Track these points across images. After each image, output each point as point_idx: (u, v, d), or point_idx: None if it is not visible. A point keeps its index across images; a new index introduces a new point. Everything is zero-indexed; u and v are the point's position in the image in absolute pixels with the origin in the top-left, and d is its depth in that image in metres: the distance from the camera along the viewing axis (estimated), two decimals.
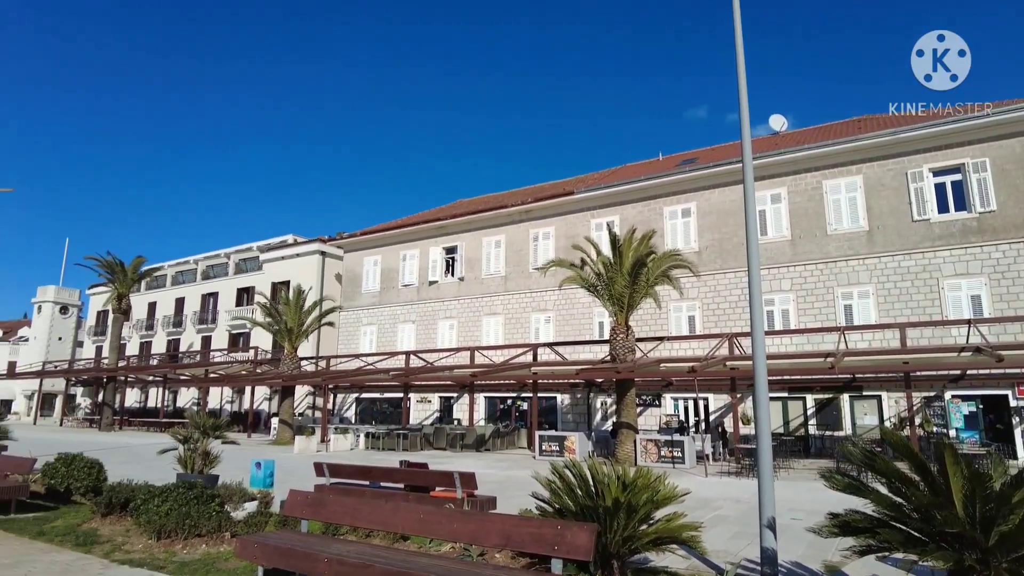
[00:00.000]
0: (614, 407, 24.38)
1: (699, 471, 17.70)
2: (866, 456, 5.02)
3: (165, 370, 41.20)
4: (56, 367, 51.25)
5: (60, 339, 58.53)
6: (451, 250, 34.76)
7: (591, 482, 6.54)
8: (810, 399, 23.87)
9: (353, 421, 34.48)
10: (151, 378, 44.43)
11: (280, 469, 11.61)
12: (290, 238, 44.24)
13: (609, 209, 29.78)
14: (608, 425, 26.42)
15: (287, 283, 38.97)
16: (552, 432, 23.56)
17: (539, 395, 26.89)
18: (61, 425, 45.65)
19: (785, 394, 23.94)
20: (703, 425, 24.75)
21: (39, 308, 58.96)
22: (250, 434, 33.12)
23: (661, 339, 25.83)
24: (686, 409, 26.01)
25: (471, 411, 29.56)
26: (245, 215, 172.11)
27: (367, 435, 26.84)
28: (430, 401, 32.97)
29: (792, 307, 24.85)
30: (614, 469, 6.65)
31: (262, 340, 39.30)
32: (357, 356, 33.94)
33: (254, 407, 37.96)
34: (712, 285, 26.51)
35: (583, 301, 28.60)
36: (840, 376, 21.38)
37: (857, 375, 21.92)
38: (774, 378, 19.17)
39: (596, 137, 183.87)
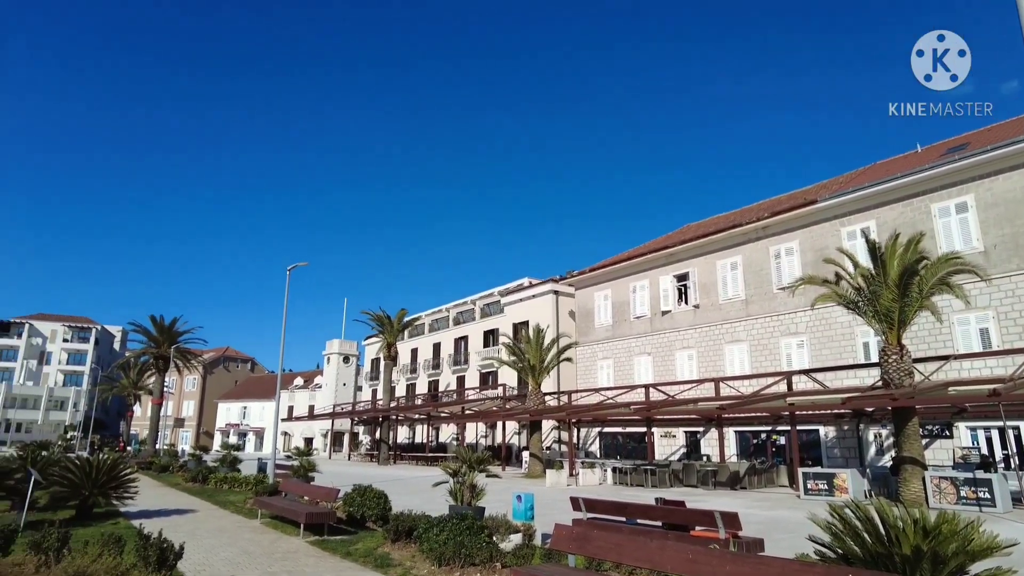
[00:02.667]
0: (891, 439, 21.34)
1: (1018, 516, 14.60)
2: None
3: (428, 409, 45.63)
4: (342, 409, 59.66)
5: (344, 384, 68.18)
6: (682, 277, 33.80)
7: (881, 526, 5.71)
8: None
9: (598, 455, 34.72)
10: (416, 416, 49.50)
11: (536, 502, 12.04)
12: (525, 281, 46.73)
13: (862, 215, 26.64)
14: (885, 460, 23.11)
15: (526, 323, 41.11)
16: (818, 469, 21.24)
17: (798, 428, 24.54)
18: (349, 459, 52.84)
19: None
20: (1015, 460, 20.45)
21: (328, 359, 69.50)
22: (504, 467, 35.04)
23: (945, 358, 22.11)
24: (988, 440, 21.73)
25: (721, 446, 28.00)
26: (488, 262, 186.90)
27: (614, 470, 26.79)
28: (674, 436, 31.93)
29: None
30: (907, 512, 5.74)
31: (508, 377, 41.72)
32: (596, 390, 34.29)
33: (506, 441, 40.22)
34: (1008, 290, 22.13)
35: (841, 321, 25.76)
36: None
37: None
38: None
39: (833, 139, 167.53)
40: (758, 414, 26.83)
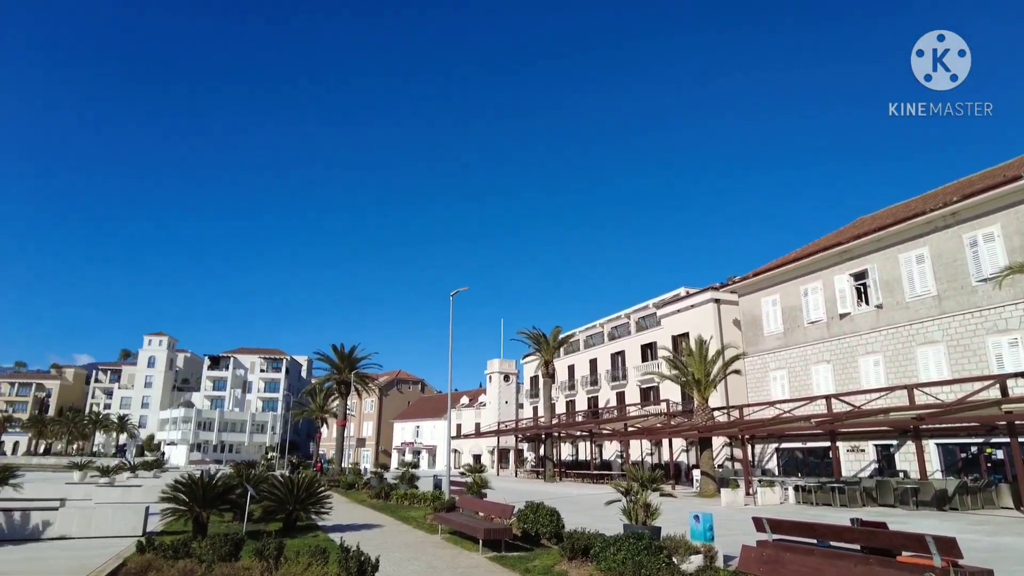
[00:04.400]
0: None
1: None
2: None
3: (590, 426, 45.44)
4: (505, 427, 61.13)
5: (506, 402, 69.90)
6: (860, 275, 30.87)
7: None
8: None
9: (776, 473, 32.48)
10: (579, 433, 49.46)
11: (713, 522, 11.48)
12: (682, 291, 45.26)
13: None
14: None
15: (686, 335, 39.75)
16: None
17: (1020, 440, 21.25)
18: (516, 476, 53.90)
19: None
20: None
21: (489, 378, 71.75)
22: (674, 486, 33.89)
23: None
24: None
25: (920, 461, 25.00)
26: (640, 275, 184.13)
27: (796, 488, 24.90)
28: (863, 450, 29.02)
29: None
30: None
31: (671, 392, 40.46)
32: (770, 404, 32.15)
33: (673, 459, 38.92)
34: None
35: None
36: None
37: None
38: None
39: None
40: (965, 424, 23.66)
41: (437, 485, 27.35)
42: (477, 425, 72.82)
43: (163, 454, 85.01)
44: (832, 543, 9.89)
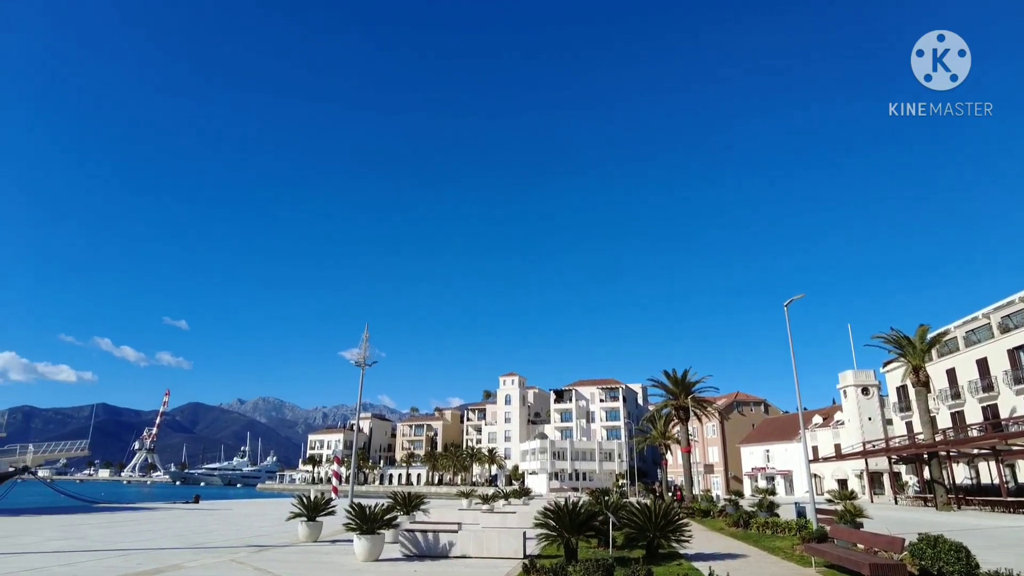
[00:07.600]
0: None
1: None
2: None
3: (991, 440, 37.07)
4: (873, 446, 53.34)
5: (869, 419, 61.29)
6: None
7: None
8: None
9: None
10: (975, 451, 40.71)
11: None
12: None
13: None
14: None
15: None
16: None
17: None
18: (895, 504, 46.45)
19: None
20: None
21: (844, 392, 64.01)
22: None
23: None
24: None
25: None
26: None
27: None
28: None
29: None
30: None
31: None
32: None
33: None
34: None
35: None
36: None
37: None
38: None
39: None
40: None
41: (801, 513, 25.00)
42: (837, 446, 65.31)
43: (523, 483, 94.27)
44: None
